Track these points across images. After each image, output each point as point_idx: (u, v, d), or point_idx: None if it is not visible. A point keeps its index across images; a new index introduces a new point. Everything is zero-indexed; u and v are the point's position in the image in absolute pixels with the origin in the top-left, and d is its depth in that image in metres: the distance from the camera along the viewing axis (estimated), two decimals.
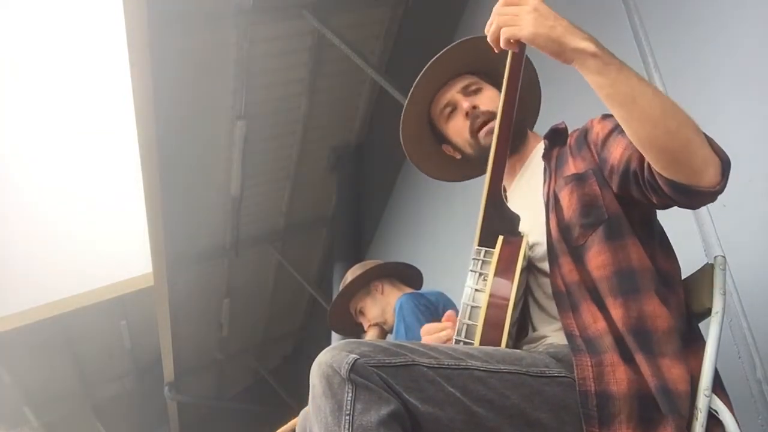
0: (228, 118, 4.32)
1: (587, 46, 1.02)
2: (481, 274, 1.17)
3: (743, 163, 1.53)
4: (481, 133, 1.37)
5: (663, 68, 1.85)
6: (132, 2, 3.03)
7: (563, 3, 2.30)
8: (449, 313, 1.33)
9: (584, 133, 1.27)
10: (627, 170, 1.09)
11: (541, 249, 1.24)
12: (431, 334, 1.28)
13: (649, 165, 1.04)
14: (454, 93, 1.42)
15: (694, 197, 1.03)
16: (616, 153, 1.13)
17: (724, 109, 1.62)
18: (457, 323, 1.16)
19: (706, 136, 1.02)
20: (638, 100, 1.00)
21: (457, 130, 1.42)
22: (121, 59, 3.43)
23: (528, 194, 1.32)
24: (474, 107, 1.38)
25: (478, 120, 1.37)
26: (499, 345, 1.11)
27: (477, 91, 1.41)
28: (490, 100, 1.39)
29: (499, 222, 1.24)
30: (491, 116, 1.36)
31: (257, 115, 4.44)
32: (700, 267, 1.20)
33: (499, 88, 1.26)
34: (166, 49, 3.44)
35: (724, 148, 1.04)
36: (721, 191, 1.02)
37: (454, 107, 1.43)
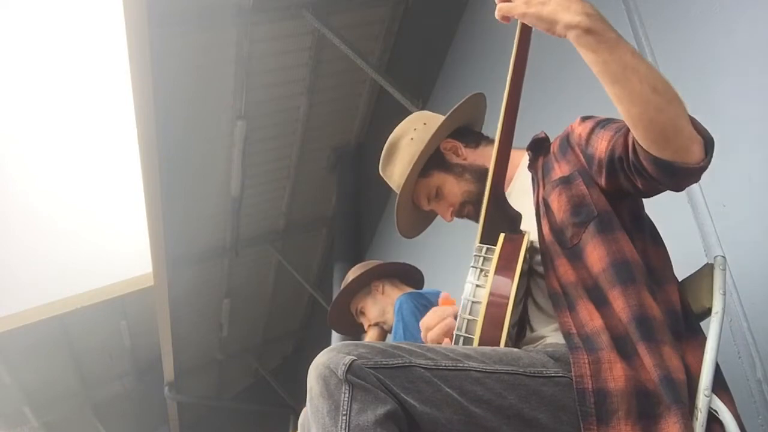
0: (228, 118, 4.32)
1: (580, 20, 1.00)
2: (482, 270, 1.18)
3: (743, 162, 1.54)
4: (471, 214, 1.45)
5: (663, 68, 1.84)
6: (132, 2, 3.03)
7: None
8: (444, 294, 1.36)
9: (566, 137, 1.29)
10: (612, 158, 1.11)
11: (538, 253, 1.25)
12: (436, 321, 1.29)
13: (634, 148, 1.05)
14: (425, 206, 1.52)
15: (679, 176, 1.03)
16: (600, 147, 1.14)
17: (724, 109, 1.62)
18: (458, 319, 1.16)
19: (691, 117, 1.03)
20: (630, 77, 0.99)
21: None
22: (121, 59, 3.43)
23: (518, 207, 1.33)
24: (452, 212, 1.47)
25: (463, 213, 1.47)
26: (499, 341, 1.11)
27: (438, 194, 1.48)
28: (450, 192, 1.46)
29: (501, 220, 1.26)
30: (463, 201, 1.45)
31: (257, 115, 4.44)
32: (700, 267, 1.20)
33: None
34: (166, 49, 3.44)
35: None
36: (704, 168, 1.03)
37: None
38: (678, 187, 1.10)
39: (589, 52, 1.01)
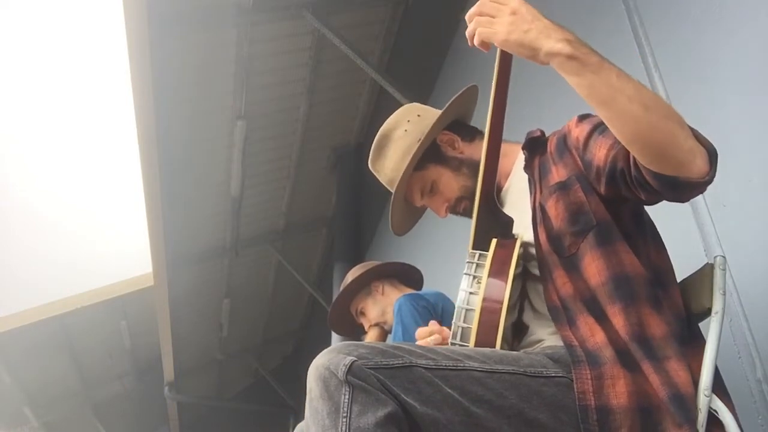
0: (228, 118, 4.32)
1: (562, 48, 0.98)
2: (475, 277, 1.17)
3: (743, 163, 1.54)
4: (467, 209, 1.41)
5: (663, 68, 1.85)
6: (132, 2, 3.03)
7: (564, 3, 2.30)
8: (432, 323, 1.32)
9: (563, 138, 1.26)
10: (614, 170, 1.08)
11: (534, 257, 1.23)
12: (420, 339, 1.28)
13: (635, 161, 1.03)
14: (418, 201, 1.47)
15: (682, 189, 1.01)
16: (600, 154, 1.11)
17: (724, 109, 1.62)
18: (452, 326, 1.16)
19: (692, 128, 1.01)
20: (618, 98, 0.97)
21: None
22: (121, 59, 3.43)
23: (515, 207, 1.31)
24: (447, 207, 1.43)
25: (459, 208, 1.43)
26: (494, 346, 1.11)
27: (433, 189, 1.44)
28: (446, 186, 1.43)
29: (493, 225, 1.24)
30: (460, 196, 1.41)
31: (257, 115, 4.44)
32: (700, 267, 1.20)
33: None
34: (166, 49, 3.44)
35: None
36: (710, 181, 1.00)
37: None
38: (682, 200, 1.08)
39: (573, 77, 0.99)
